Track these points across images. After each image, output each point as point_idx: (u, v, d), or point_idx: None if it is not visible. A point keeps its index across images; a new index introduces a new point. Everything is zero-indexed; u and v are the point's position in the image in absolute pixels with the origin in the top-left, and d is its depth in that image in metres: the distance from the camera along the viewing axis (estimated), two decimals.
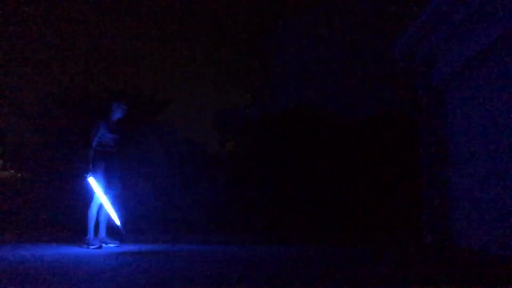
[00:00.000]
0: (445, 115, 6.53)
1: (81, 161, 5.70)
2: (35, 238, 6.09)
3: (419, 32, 6.61)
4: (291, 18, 13.63)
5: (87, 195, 5.43)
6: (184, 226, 8.38)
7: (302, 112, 10.17)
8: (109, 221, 5.50)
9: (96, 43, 9.04)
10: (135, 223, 5.39)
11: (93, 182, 5.30)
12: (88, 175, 5.27)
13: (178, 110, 12.03)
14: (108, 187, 5.43)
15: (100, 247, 5.24)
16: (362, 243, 6.68)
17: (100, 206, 5.42)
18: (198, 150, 11.54)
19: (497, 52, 5.26)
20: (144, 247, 5.26)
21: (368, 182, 8.93)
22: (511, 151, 4.97)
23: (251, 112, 13.30)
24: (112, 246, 5.41)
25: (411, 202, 7.54)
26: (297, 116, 10.05)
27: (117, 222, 5.40)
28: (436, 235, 6.41)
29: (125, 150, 6.24)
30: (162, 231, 7.61)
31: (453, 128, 6.34)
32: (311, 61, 13.07)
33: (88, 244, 5.26)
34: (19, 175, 8.67)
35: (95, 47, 9.06)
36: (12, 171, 8.68)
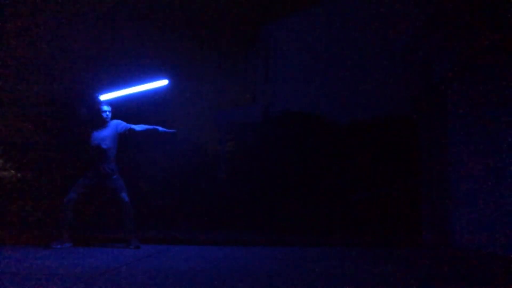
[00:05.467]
0: (445, 115, 6.53)
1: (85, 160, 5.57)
2: (35, 238, 6.08)
3: (419, 32, 6.62)
4: (291, 18, 13.63)
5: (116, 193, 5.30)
6: (184, 226, 8.39)
7: (302, 113, 10.18)
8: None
9: (95, 42, 9.04)
10: (136, 222, 5.37)
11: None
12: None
13: (178, 110, 12.02)
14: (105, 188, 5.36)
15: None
16: (362, 243, 6.68)
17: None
18: (198, 149, 11.53)
19: (497, 52, 5.26)
20: (144, 247, 5.26)
21: (368, 182, 8.94)
22: (510, 151, 4.97)
23: (251, 112, 13.30)
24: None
25: (411, 202, 7.54)
26: (297, 117, 10.06)
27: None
28: (436, 235, 6.41)
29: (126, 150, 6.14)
30: (162, 230, 7.62)
31: (453, 128, 6.34)
32: (311, 61, 13.07)
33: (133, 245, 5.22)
34: (19, 175, 8.66)
35: (95, 46, 9.05)
36: (12, 171, 8.67)
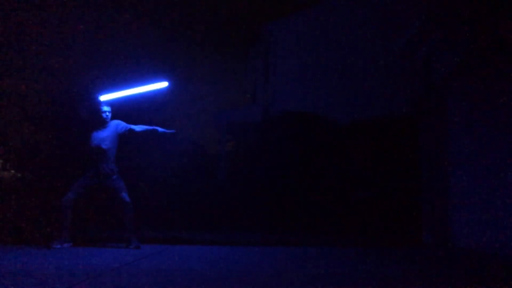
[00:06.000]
0: (445, 115, 6.53)
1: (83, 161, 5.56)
2: (35, 238, 6.08)
3: (419, 32, 6.61)
4: (291, 18, 13.63)
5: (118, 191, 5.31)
6: (184, 226, 8.38)
7: (302, 113, 10.17)
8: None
9: (96, 43, 9.03)
10: (135, 222, 5.37)
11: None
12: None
13: (179, 110, 12.01)
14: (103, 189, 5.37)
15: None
16: (362, 243, 6.67)
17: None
18: (198, 150, 11.53)
19: (497, 52, 5.25)
20: (144, 247, 5.26)
21: (368, 182, 8.93)
22: (511, 151, 4.97)
23: (251, 112, 13.29)
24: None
25: (411, 202, 7.54)
26: (297, 117, 10.06)
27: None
28: (436, 235, 6.41)
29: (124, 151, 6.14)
30: (162, 230, 7.61)
31: (453, 128, 6.34)
32: (311, 61, 13.07)
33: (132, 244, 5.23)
34: (19, 175, 8.65)
35: (95, 47, 9.05)
36: (12, 171, 8.67)
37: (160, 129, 5.60)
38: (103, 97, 5.60)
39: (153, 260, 4.34)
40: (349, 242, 6.63)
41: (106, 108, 5.46)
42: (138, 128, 5.56)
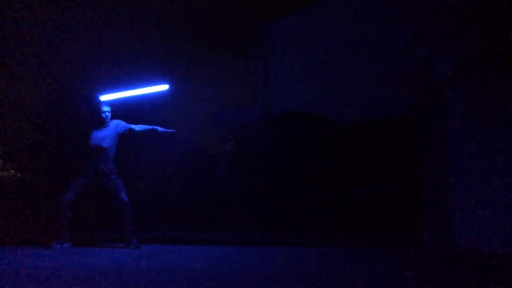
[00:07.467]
0: (445, 115, 6.53)
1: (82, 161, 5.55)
2: (35, 239, 6.09)
3: (419, 32, 6.62)
4: (290, 19, 13.63)
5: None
6: (184, 226, 8.38)
7: (302, 113, 10.17)
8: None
9: (96, 43, 9.04)
10: (135, 222, 5.37)
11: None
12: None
13: (179, 111, 12.03)
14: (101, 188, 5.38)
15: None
16: (362, 243, 6.67)
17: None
18: (198, 150, 11.53)
19: (497, 52, 5.26)
20: (144, 247, 5.26)
21: (368, 183, 8.93)
22: (511, 151, 4.97)
23: (251, 112, 13.29)
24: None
25: (411, 202, 7.54)
26: (297, 117, 10.05)
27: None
28: (436, 235, 6.41)
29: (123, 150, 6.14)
30: (162, 230, 7.61)
31: (453, 128, 6.34)
32: (311, 61, 13.07)
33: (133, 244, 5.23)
34: (19, 175, 8.65)
35: (95, 47, 9.05)
36: (12, 171, 8.66)
37: (160, 128, 5.63)
38: (103, 97, 5.62)
39: (153, 260, 4.34)
40: (349, 242, 6.63)
41: (105, 108, 5.48)
42: (138, 127, 5.59)
